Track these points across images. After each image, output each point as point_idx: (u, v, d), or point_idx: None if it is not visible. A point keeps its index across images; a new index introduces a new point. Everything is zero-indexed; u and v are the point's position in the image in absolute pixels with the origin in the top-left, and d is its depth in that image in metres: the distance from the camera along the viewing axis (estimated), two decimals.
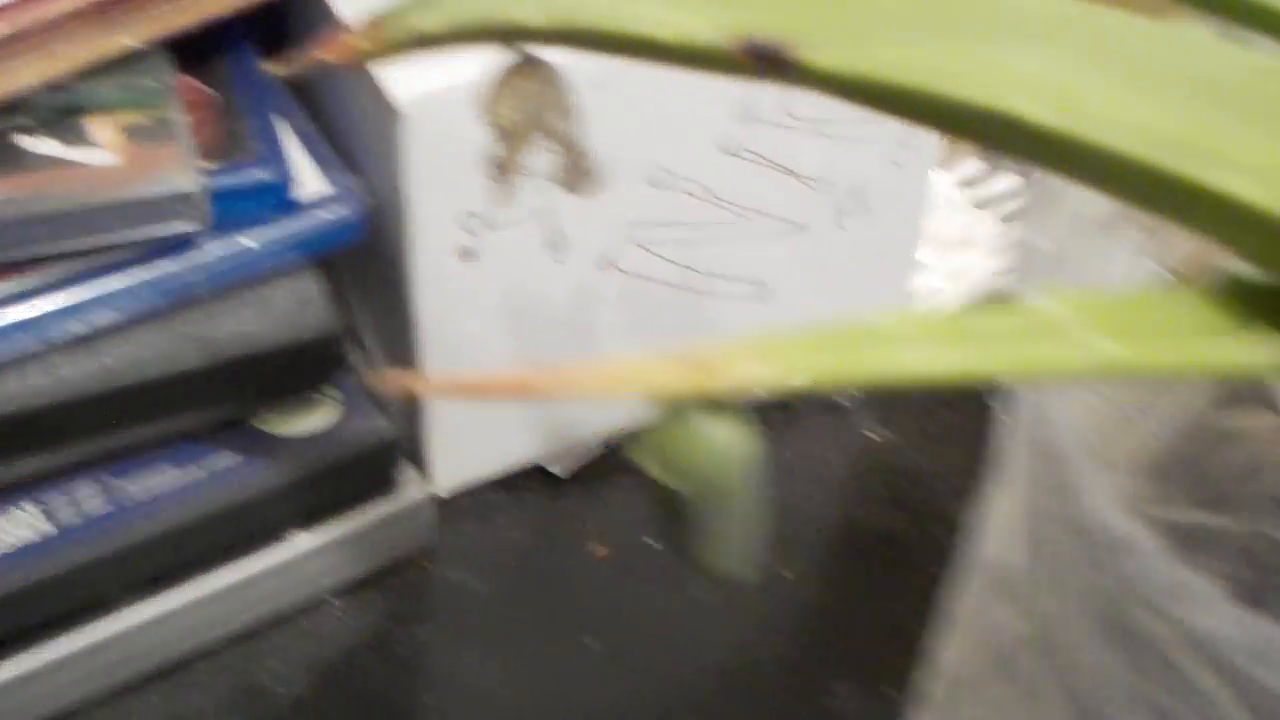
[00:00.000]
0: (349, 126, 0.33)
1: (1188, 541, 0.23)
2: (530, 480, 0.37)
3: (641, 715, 0.33)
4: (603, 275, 0.34)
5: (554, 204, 0.32)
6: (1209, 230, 0.13)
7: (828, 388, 0.12)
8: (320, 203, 0.31)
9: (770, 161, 0.34)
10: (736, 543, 0.14)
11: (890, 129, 0.35)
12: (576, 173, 0.19)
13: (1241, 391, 0.21)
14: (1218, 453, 0.22)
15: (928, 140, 0.36)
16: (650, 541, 0.37)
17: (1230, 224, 0.12)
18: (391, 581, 0.35)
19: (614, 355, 0.13)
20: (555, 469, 0.37)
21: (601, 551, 0.36)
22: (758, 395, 0.13)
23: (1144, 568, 0.13)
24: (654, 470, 0.14)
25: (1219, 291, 0.13)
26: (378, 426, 0.33)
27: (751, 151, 0.34)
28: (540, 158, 0.19)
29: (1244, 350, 0.13)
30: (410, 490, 0.35)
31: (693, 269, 0.35)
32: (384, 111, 0.30)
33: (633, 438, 0.14)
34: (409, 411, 0.35)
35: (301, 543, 0.33)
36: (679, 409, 0.13)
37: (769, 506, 0.14)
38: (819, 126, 0.34)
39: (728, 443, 0.13)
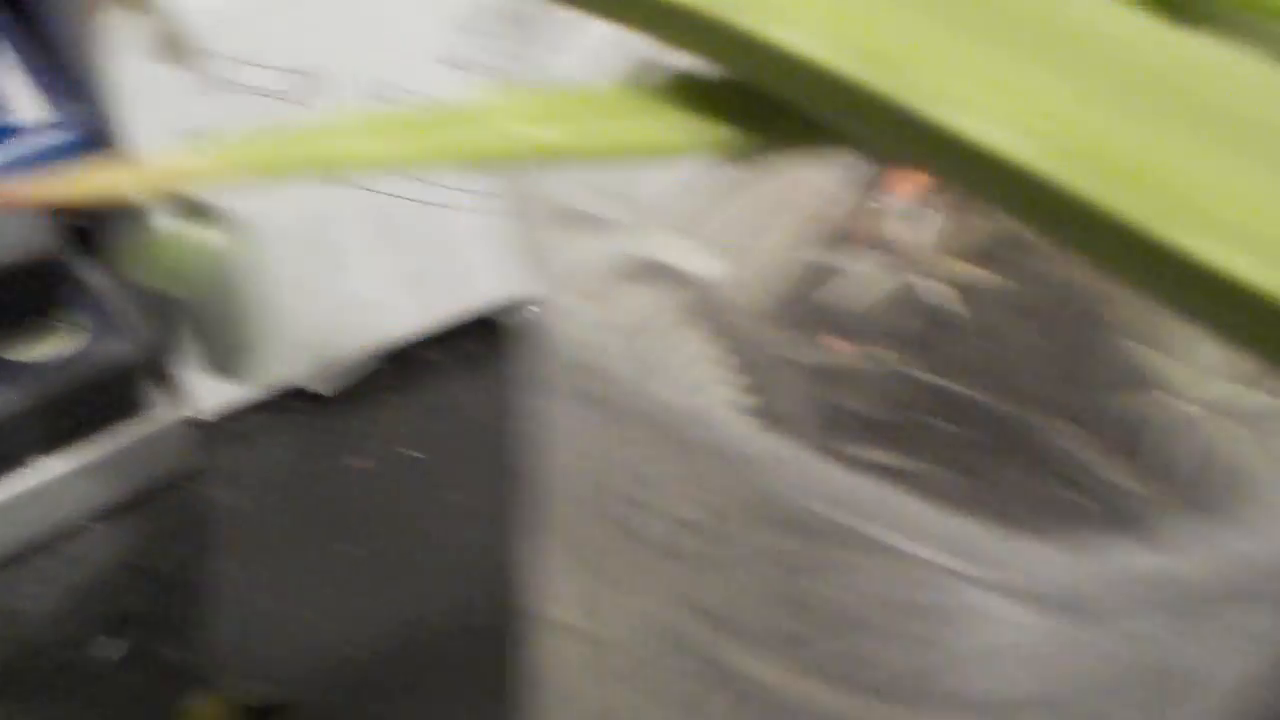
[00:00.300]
0: (70, 51, 0.33)
1: (826, 380, 0.25)
2: (294, 400, 0.38)
3: (404, 617, 0.35)
4: (340, 193, 0.35)
5: (280, 121, 0.33)
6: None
7: (270, 179, 0.14)
8: (39, 128, 0.32)
9: (496, 73, 0.35)
10: (227, 343, 0.15)
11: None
12: (171, 45, 0.20)
13: (850, 230, 0.23)
14: (836, 293, 0.23)
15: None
16: (410, 452, 0.38)
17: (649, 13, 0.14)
18: (153, 504, 0.36)
19: (90, 169, 0.14)
20: (319, 388, 0.38)
21: (363, 465, 0.37)
22: (211, 192, 0.14)
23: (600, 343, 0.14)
24: (142, 276, 0.15)
25: (661, 87, 0.15)
26: (122, 350, 0.34)
27: (478, 64, 0.35)
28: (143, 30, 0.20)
29: (657, 129, 0.14)
30: (163, 413, 0.35)
31: (433, 183, 0.36)
32: (89, 31, 0.31)
33: (126, 250, 0.15)
34: (165, 336, 0.35)
35: (50, 468, 0.34)
36: (157, 216, 0.14)
37: (255, 308, 0.15)
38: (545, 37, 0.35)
39: (201, 243, 0.14)
